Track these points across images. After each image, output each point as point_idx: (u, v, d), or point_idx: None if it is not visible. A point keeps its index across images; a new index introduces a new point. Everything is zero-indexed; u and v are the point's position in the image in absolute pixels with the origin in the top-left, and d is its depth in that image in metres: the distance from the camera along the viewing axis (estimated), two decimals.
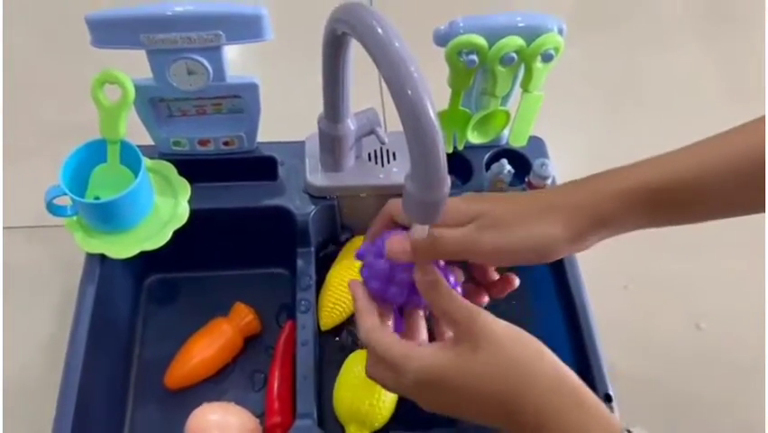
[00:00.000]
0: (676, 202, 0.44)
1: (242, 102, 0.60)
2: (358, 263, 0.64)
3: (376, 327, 0.46)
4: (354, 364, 0.59)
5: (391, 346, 0.45)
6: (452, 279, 0.47)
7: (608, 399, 0.53)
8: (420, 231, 0.46)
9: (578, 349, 0.57)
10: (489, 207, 0.47)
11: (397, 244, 0.47)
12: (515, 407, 0.42)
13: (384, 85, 0.85)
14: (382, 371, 0.45)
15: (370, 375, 0.47)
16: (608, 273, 0.72)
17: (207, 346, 0.62)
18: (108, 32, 0.53)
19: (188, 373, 0.61)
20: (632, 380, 0.62)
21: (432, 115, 0.39)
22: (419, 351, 0.44)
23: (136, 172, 0.57)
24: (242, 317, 0.63)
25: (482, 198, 0.50)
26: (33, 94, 0.85)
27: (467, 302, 0.44)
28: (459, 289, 0.48)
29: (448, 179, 0.42)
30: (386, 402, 0.57)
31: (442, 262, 0.47)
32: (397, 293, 0.47)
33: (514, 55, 0.54)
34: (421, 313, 0.49)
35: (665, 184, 0.44)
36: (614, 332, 0.63)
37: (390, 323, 0.49)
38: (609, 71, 0.92)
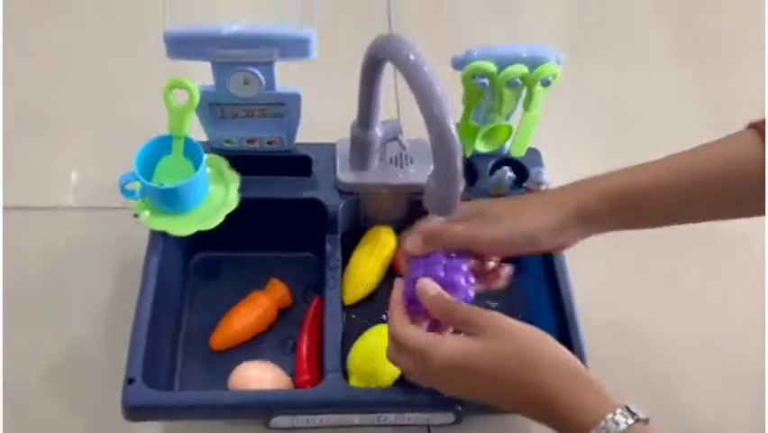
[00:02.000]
0: (636, 205, 0.54)
1: (284, 109, 0.70)
2: (376, 249, 0.75)
3: (406, 322, 0.54)
4: (374, 333, 0.69)
5: (419, 336, 0.52)
6: (464, 267, 0.55)
7: None
8: (437, 220, 0.57)
9: (564, 337, 0.66)
10: (488, 207, 0.57)
11: (410, 241, 0.56)
12: (528, 385, 0.48)
13: (400, 101, 0.96)
14: (406, 357, 0.52)
15: (391, 359, 0.55)
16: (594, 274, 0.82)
17: (247, 315, 0.72)
18: (183, 46, 0.63)
19: (231, 336, 0.71)
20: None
21: (452, 126, 0.50)
22: (445, 340, 0.51)
23: (196, 163, 0.67)
24: (276, 291, 0.73)
25: (483, 201, 0.60)
26: (109, 95, 0.95)
27: (473, 306, 0.52)
28: (471, 278, 0.55)
29: (463, 179, 0.53)
30: (392, 371, 0.65)
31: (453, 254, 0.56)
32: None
33: (519, 80, 0.65)
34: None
35: (631, 188, 0.54)
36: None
37: (425, 324, 0.56)
38: (600, 91, 1.03)
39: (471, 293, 0.55)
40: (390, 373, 0.65)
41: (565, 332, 0.65)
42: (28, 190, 0.84)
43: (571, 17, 1.15)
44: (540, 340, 0.50)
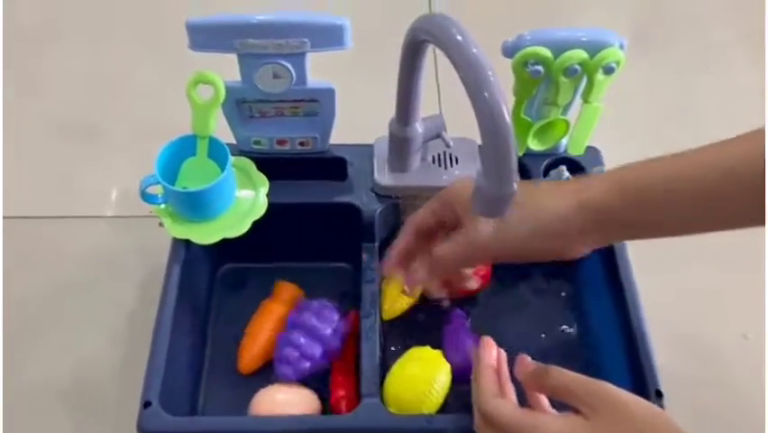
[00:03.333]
0: (646, 201, 0.47)
1: (318, 106, 0.64)
2: None
3: (497, 394, 0.49)
4: (412, 359, 0.62)
5: (515, 414, 0.46)
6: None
7: (658, 394, 0.55)
8: (485, 224, 0.50)
9: (629, 346, 0.59)
10: None
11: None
12: None
13: (442, 95, 0.90)
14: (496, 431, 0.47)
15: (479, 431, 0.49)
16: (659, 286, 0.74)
17: (266, 329, 0.65)
18: (206, 36, 0.58)
19: (256, 357, 0.65)
20: (680, 382, 0.64)
21: (506, 114, 0.43)
22: (549, 420, 0.46)
23: (222, 166, 0.62)
24: (285, 293, 0.67)
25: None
26: (130, 93, 0.92)
27: (586, 378, 0.46)
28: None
29: (517, 175, 0.46)
30: (435, 401, 0.59)
31: None
32: None
33: (577, 67, 0.58)
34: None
35: (642, 180, 0.47)
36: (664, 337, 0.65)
37: (513, 397, 0.51)
38: (665, 88, 0.95)
39: None
40: (433, 402, 0.58)
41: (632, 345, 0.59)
42: (59, 199, 0.81)
43: (635, 6, 1.07)
44: (663, 426, 0.43)
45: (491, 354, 0.52)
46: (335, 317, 0.63)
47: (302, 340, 0.61)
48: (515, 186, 0.46)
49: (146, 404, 0.53)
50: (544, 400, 0.50)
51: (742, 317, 0.73)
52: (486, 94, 0.43)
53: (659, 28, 1.04)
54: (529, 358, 0.50)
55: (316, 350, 0.61)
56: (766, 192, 0.43)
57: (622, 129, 0.81)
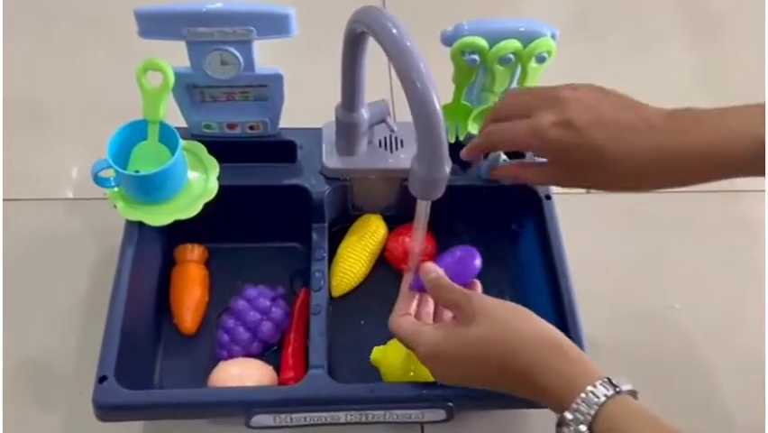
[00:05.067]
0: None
1: (267, 91, 0.66)
2: (365, 238, 0.71)
3: (398, 313, 0.56)
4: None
5: (401, 326, 0.54)
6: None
7: None
8: (424, 206, 0.54)
9: (560, 321, 0.63)
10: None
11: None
12: (510, 364, 0.48)
13: (394, 79, 0.92)
14: (408, 346, 0.54)
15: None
16: (592, 258, 0.79)
17: (186, 290, 0.69)
18: (155, 24, 0.59)
19: (195, 314, 0.68)
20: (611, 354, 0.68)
21: (436, 103, 0.46)
22: (424, 328, 0.53)
23: (173, 150, 0.64)
24: (187, 253, 0.71)
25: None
26: (80, 79, 0.92)
27: (464, 289, 0.53)
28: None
29: (449, 161, 0.49)
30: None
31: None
32: None
33: (511, 56, 0.61)
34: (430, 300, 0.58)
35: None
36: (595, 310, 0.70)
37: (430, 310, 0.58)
38: (599, 74, 0.99)
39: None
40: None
41: (562, 317, 0.63)
42: (12, 182, 0.81)
43: None
44: (520, 317, 0.50)
45: (406, 282, 0.58)
46: (268, 303, 0.66)
47: (232, 325, 0.65)
48: (447, 170, 0.50)
49: (101, 379, 0.55)
50: (448, 314, 0.56)
51: (670, 288, 0.78)
52: (418, 84, 0.46)
53: (599, 15, 1.08)
54: (432, 265, 0.55)
55: (245, 336, 0.65)
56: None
57: None
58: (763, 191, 0.83)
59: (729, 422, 0.70)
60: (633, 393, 0.46)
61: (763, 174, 0.49)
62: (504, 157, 0.68)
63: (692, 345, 0.74)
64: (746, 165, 0.50)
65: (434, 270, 0.55)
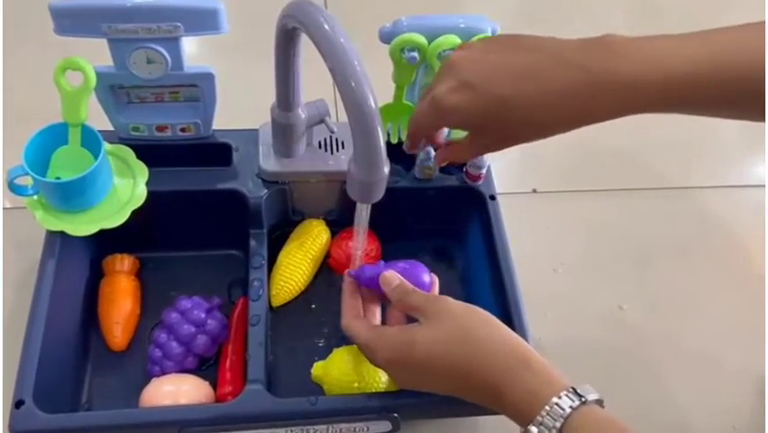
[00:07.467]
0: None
1: (198, 91, 0.63)
2: (306, 244, 0.69)
3: (356, 315, 0.55)
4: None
5: (361, 331, 0.53)
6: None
7: None
8: (363, 209, 0.51)
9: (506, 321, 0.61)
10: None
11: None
12: (477, 372, 0.47)
13: None
14: (365, 352, 0.53)
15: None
16: (539, 257, 0.78)
17: (122, 302, 0.66)
18: (71, 20, 0.55)
19: (123, 330, 0.64)
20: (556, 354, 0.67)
21: (371, 102, 0.44)
22: (386, 332, 0.52)
23: (96, 155, 0.59)
24: (117, 264, 0.67)
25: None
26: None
27: (425, 293, 0.53)
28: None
29: (387, 162, 0.47)
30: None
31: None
32: None
33: (451, 52, 0.59)
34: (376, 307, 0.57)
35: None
36: (542, 310, 0.69)
37: (375, 318, 0.57)
38: None
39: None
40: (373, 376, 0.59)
41: (508, 317, 0.61)
42: None
43: None
44: (483, 323, 0.49)
45: (350, 285, 0.57)
46: (203, 315, 0.62)
47: (165, 340, 0.62)
48: (385, 171, 0.47)
49: (18, 403, 0.51)
50: (403, 318, 0.54)
51: (618, 289, 0.78)
52: (352, 82, 0.44)
53: (546, 9, 1.08)
54: (393, 274, 0.54)
55: (178, 350, 0.61)
56: None
57: None
58: (716, 187, 0.84)
59: (682, 422, 0.69)
60: (599, 402, 0.45)
61: (686, 111, 0.46)
62: (434, 153, 0.66)
63: (640, 346, 0.74)
64: (671, 98, 0.45)
65: (396, 278, 0.54)
